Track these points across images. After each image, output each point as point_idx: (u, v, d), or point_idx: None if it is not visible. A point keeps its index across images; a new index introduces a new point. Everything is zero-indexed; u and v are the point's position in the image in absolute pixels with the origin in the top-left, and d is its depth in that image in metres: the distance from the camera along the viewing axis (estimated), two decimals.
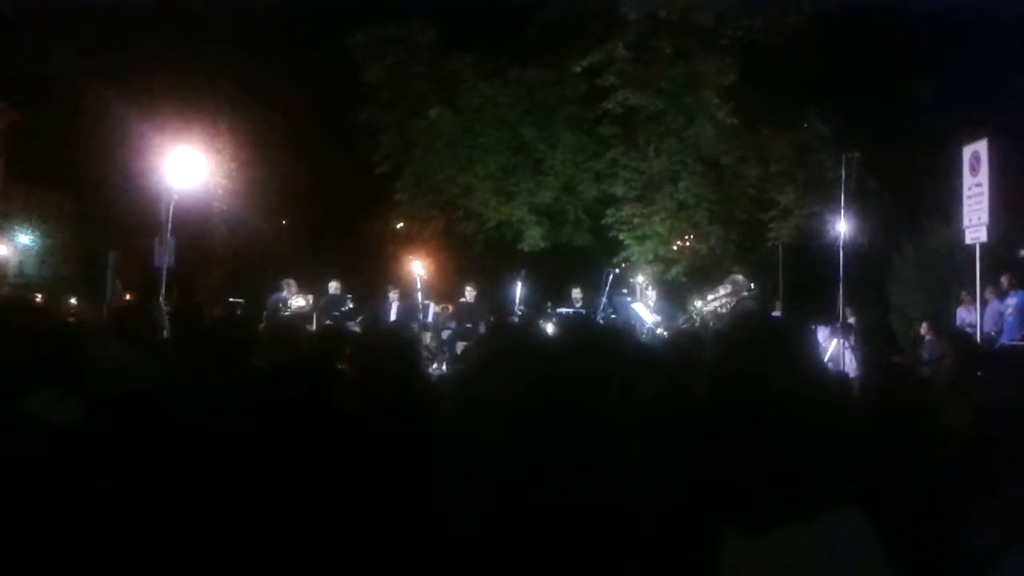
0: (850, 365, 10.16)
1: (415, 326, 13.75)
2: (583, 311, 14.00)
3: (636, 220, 19.29)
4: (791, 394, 1.40)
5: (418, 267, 15.84)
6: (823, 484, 1.36)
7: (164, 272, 13.83)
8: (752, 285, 12.08)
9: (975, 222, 10.24)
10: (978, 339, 10.58)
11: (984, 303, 11.85)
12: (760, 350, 1.47)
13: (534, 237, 19.98)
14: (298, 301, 13.97)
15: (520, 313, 13.98)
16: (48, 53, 23.21)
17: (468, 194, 20.10)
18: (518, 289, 14.41)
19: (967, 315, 12.96)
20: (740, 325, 1.78)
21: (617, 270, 14.88)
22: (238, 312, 15.56)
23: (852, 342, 10.95)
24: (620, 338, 1.12)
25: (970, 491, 3.18)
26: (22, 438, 2.20)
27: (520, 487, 0.78)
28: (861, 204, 13.11)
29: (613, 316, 12.83)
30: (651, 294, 13.52)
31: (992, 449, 3.25)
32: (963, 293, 12.18)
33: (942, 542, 3.09)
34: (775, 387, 1.40)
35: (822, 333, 11.54)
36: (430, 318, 15.16)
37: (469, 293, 15.17)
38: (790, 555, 1.29)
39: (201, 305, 8.21)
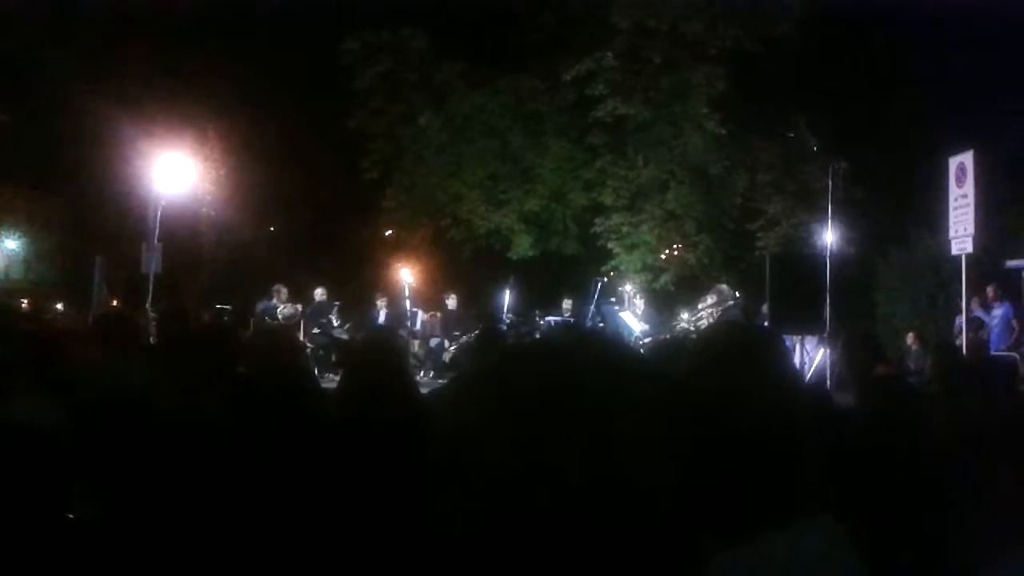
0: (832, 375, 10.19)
1: (403, 334, 13.75)
2: (572, 319, 14.03)
3: (625, 229, 19.33)
4: (763, 402, 1.41)
5: (406, 275, 15.84)
6: (799, 492, 1.37)
7: (151, 278, 13.78)
8: (737, 294, 12.13)
9: (961, 233, 10.29)
10: (963, 349, 10.63)
11: (970, 314, 11.92)
12: (732, 359, 1.48)
13: (523, 245, 20.00)
14: (287, 309, 13.91)
15: (508, 321, 13.99)
16: (36, 56, 23.12)
17: (457, 202, 20.11)
18: (506, 297, 14.42)
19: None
20: (713, 333, 1.79)
21: (605, 279, 14.91)
22: (225, 319, 15.53)
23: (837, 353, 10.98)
24: (616, 347, 1.13)
25: (956, 500, 3.19)
26: (5, 445, 2.18)
27: (512, 495, 0.78)
28: (848, 214, 13.19)
29: (601, 325, 12.85)
30: (639, 303, 13.53)
31: (977, 458, 3.27)
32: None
33: (928, 551, 3.10)
34: (747, 395, 1.41)
35: (810, 343, 11.56)
36: (418, 326, 15.14)
37: (451, 301, 15.17)
38: (768, 563, 1.30)
39: (188, 311, 8.21)
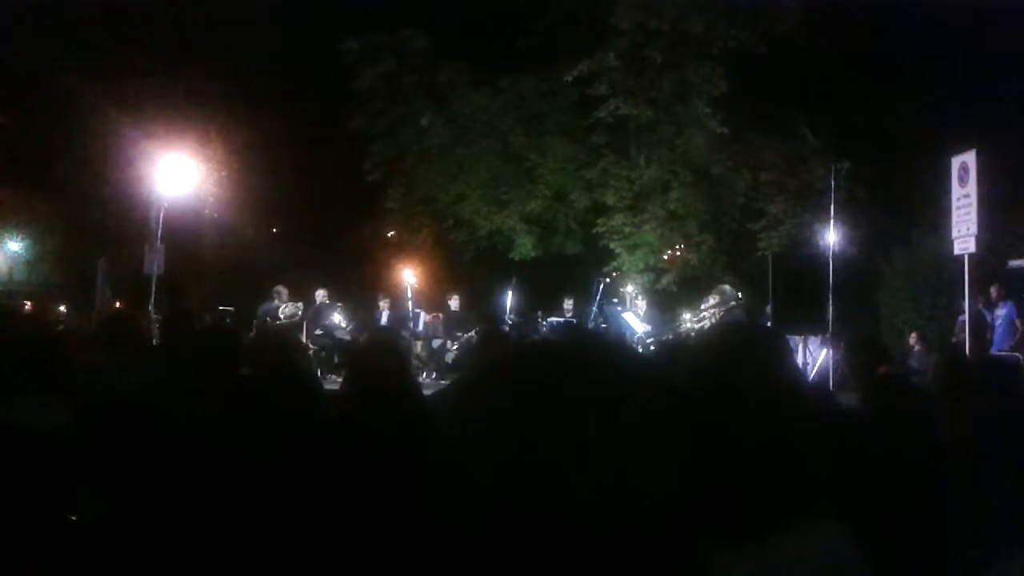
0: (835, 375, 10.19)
1: (405, 335, 13.75)
2: (573, 320, 14.02)
3: (627, 229, 19.33)
4: (767, 403, 1.41)
5: (409, 276, 15.83)
6: (803, 493, 1.37)
7: (154, 280, 13.81)
8: (740, 295, 12.12)
9: (964, 233, 10.29)
10: (967, 348, 10.63)
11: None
12: (736, 359, 1.48)
13: (525, 246, 19.99)
14: (288, 309, 13.92)
15: (511, 322, 13.98)
16: (37, 57, 23.12)
17: (459, 202, 20.12)
18: (509, 298, 14.41)
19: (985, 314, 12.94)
20: (717, 335, 1.79)
21: (608, 279, 14.90)
22: (227, 320, 15.55)
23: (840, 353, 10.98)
24: (617, 348, 1.13)
25: (959, 500, 3.19)
26: (7, 446, 2.19)
27: (513, 496, 0.78)
28: (850, 214, 13.19)
29: (604, 325, 12.85)
30: (641, 303, 13.53)
31: (979, 458, 3.27)
32: (979, 298, 12.28)
33: (931, 550, 3.10)
34: (750, 396, 1.41)
35: (813, 343, 11.57)
36: (420, 327, 15.14)
37: (454, 302, 15.17)
38: (771, 564, 1.30)
39: (191, 313, 8.21)
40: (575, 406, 0.82)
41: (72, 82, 22.60)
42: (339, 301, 14.75)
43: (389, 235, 22.44)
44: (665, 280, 19.29)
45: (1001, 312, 12.68)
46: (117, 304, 16.21)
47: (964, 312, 11.56)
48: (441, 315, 15.45)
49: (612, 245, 19.48)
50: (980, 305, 12.75)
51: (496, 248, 20.30)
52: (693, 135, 18.71)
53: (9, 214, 31.99)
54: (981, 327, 12.28)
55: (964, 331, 11.93)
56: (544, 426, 0.81)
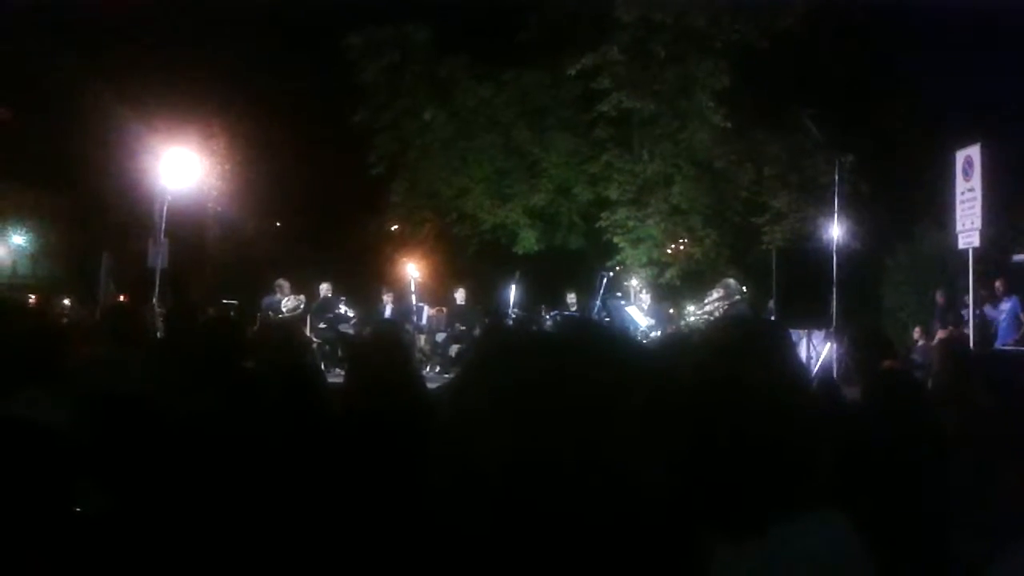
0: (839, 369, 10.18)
1: (409, 328, 13.75)
2: (577, 314, 14.02)
3: (631, 223, 19.32)
4: (769, 396, 1.40)
5: (412, 269, 15.83)
6: (805, 486, 1.36)
7: (158, 273, 13.82)
8: (744, 289, 12.12)
9: (968, 227, 10.26)
10: (971, 343, 10.61)
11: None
12: (738, 353, 1.48)
13: (528, 240, 19.99)
14: (290, 302, 13.93)
15: (514, 316, 13.97)
16: (42, 52, 23.15)
17: (463, 196, 20.10)
18: (512, 292, 14.40)
19: (991, 311, 12.91)
20: (720, 328, 1.79)
21: (611, 273, 14.88)
22: (231, 313, 15.57)
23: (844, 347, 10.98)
24: (618, 341, 1.12)
25: (961, 494, 3.19)
26: (10, 438, 2.19)
27: (513, 487, 0.78)
28: (854, 208, 13.16)
29: (607, 319, 12.85)
30: (645, 297, 13.52)
31: (983, 453, 3.27)
32: (982, 292, 12.30)
33: (934, 544, 3.10)
34: (753, 389, 1.41)
35: (816, 337, 11.56)
36: (424, 320, 15.15)
37: (459, 295, 15.18)
38: (774, 558, 1.29)
39: (195, 306, 8.23)
40: (577, 398, 0.82)
41: (75, 78, 22.63)
42: (343, 295, 14.76)
43: (392, 229, 22.45)
44: (668, 274, 19.28)
45: (1005, 307, 12.67)
46: (121, 298, 16.24)
47: (967, 307, 11.54)
48: (444, 309, 15.45)
49: (615, 239, 19.46)
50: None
51: (499, 242, 20.29)
52: (696, 129, 18.68)
53: (13, 208, 32.08)
54: (957, 320, 12.32)
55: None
56: (546, 417, 0.81)
